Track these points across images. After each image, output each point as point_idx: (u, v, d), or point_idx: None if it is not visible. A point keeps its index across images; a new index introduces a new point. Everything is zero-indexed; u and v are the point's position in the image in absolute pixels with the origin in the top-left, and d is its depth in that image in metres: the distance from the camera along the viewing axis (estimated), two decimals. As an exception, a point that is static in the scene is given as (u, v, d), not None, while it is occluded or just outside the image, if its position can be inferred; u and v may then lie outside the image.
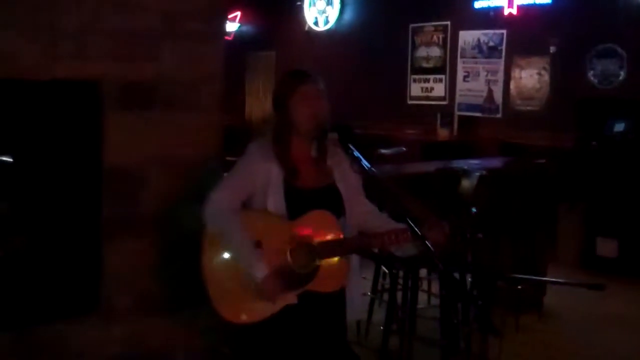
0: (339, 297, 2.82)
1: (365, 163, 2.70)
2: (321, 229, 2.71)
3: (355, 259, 2.88)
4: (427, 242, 2.55)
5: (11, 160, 3.30)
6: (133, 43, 3.36)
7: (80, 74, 3.24)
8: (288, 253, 2.67)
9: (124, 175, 3.40)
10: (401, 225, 2.74)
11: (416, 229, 2.58)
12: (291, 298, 2.70)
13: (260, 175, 2.72)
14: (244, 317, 2.74)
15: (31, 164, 3.26)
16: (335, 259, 2.73)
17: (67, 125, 3.27)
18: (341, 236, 2.73)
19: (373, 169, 2.71)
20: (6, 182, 3.32)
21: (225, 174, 2.93)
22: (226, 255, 2.75)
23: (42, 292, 3.29)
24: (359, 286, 2.96)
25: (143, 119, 3.43)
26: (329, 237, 2.71)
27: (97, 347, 3.40)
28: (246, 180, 2.74)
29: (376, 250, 3.56)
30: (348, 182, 2.84)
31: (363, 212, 2.90)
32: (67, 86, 3.23)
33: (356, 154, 2.71)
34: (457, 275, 4.17)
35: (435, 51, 9.65)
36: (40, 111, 3.21)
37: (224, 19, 3.95)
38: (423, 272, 4.80)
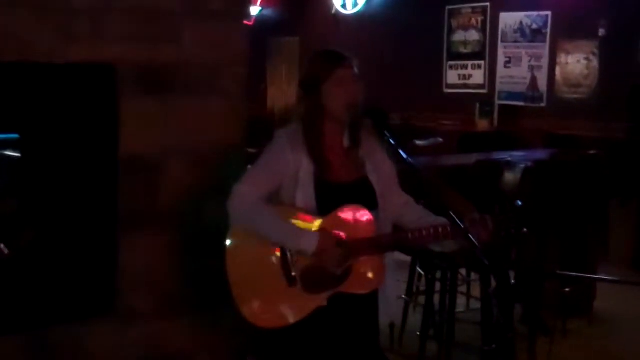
0: (372, 299, 2.80)
1: (401, 152, 2.68)
2: (354, 225, 2.69)
3: (390, 257, 2.85)
4: (470, 236, 2.52)
5: (19, 155, 3.31)
6: (152, 23, 3.38)
7: (95, 56, 3.26)
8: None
9: (141, 165, 3.43)
10: (440, 219, 2.72)
11: (458, 223, 2.54)
12: (321, 300, 2.68)
13: (289, 167, 2.70)
14: (271, 321, 2.73)
15: (42, 154, 3.28)
16: (370, 257, 2.70)
17: (81, 111, 3.29)
18: (375, 232, 2.70)
19: (410, 158, 2.68)
20: (14, 175, 3.35)
21: (249, 166, 2.91)
22: (252, 254, 2.73)
23: (55, 293, 3.31)
24: (394, 287, 2.94)
25: (162, 104, 3.45)
26: (363, 233, 2.69)
27: (114, 350, 3.43)
28: (274, 172, 2.72)
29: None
30: (381, 173, 2.83)
31: (398, 204, 2.88)
32: (82, 70, 3.25)
33: (392, 141, 2.69)
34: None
35: (474, 35, 9.60)
36: (53, 96, 3.23)
37: (246, -1, 3.95)
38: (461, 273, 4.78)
